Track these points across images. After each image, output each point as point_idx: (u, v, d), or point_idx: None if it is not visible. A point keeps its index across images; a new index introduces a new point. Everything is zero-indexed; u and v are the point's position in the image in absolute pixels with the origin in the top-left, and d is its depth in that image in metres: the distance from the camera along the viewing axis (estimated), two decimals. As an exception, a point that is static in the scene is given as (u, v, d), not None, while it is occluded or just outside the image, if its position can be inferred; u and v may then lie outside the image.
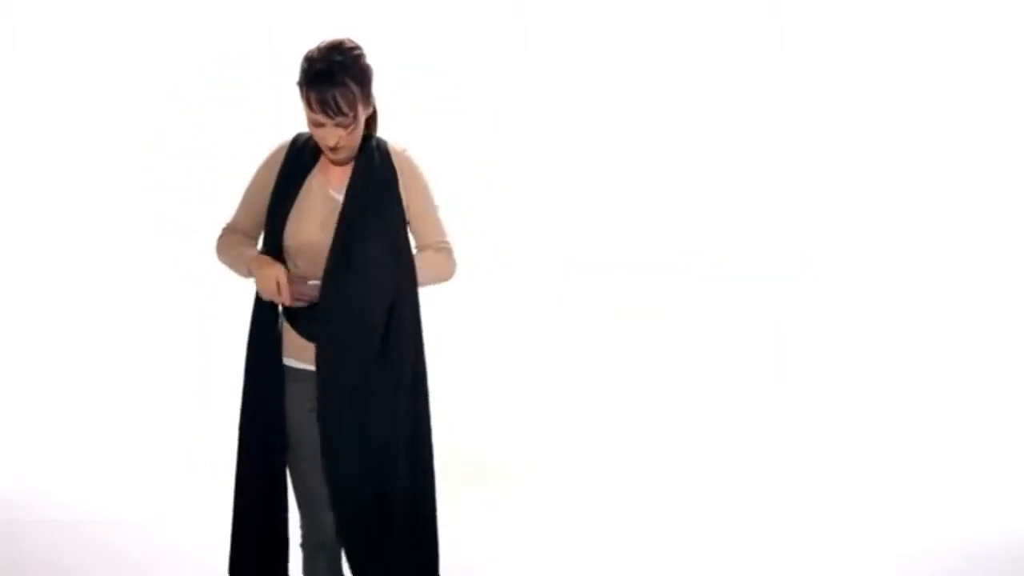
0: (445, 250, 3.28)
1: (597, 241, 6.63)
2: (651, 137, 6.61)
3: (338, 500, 3.15)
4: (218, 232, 3.34)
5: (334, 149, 3.15)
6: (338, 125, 3.10)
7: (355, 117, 3.11)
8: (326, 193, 3.21)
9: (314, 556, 3.34)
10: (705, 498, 5.72)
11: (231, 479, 3.30)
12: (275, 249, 3.21)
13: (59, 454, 6.17)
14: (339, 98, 3.06)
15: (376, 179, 3.21)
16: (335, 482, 3.14)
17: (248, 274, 3.24)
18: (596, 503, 5.66)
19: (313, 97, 3.06)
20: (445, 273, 3.30)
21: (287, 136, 3.30)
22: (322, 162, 3.25)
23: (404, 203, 3.23)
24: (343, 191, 3.20)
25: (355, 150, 3.21)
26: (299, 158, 3.24)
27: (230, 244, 3.29)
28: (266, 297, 3.17)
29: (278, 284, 3.11)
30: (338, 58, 3.08)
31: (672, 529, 5.29)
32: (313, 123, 3.12)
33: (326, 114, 3.07)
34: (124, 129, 6.56)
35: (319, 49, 3.10)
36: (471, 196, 6.30)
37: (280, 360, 3.23)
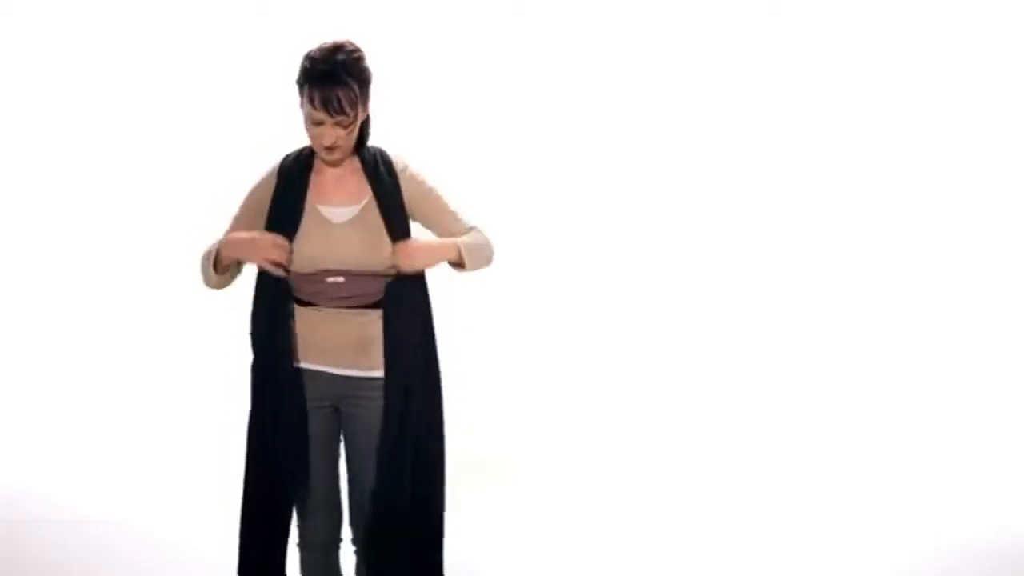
0: (477, 231, 3.34)
1: (596, 240, 6.63)
2: (651, 137, 6.61)
3: (382, 501, 3.17)
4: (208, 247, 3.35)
5: (330, 149, 3.15)
6: (337, 124, 3.11)
7: (355, 117, 3.13)
8: (318, 212, 3.21)
9: (312, 556, 3.34)
10: (706, 498, 5.72)
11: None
12: (275, 278, 3.21)
13: (59, 454, 6.17)
14: (342, 97, 3.08)
15: (388, 193, 3.22)
16: (384, 482, 3.17)
17: (223, 268, 3.24)
18: (596, 501, 5.66)
19: (316, 95, 3.08)
20: (490, 251, 3.37)
21: (275, 161, 3.29)
22: (314, 176, 3.25)
23: (411, 213, 3.25)
24: (333, 208, 3.21)
25: (349, 152, 3.21)
26: (290, 179, 3.24)
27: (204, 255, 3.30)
28: (270, 268, 3.17)
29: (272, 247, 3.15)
30: (341, 58, 3.10)
31: (672, 528, 5.28)
32: (313, 121, 3.12)
33: (328, 112, 3.08)
34: (123, 129, 6.56)
35: (321, 50, 3.11)
36: (468, 196, 6.28)
37: (293, 361, 3.23)
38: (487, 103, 6.54)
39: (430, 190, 3.28)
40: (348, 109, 3.09)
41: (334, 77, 3.07)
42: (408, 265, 3.19)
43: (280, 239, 3.16)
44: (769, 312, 6.64)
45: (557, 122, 6.58)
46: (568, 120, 6.57)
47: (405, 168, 3.28)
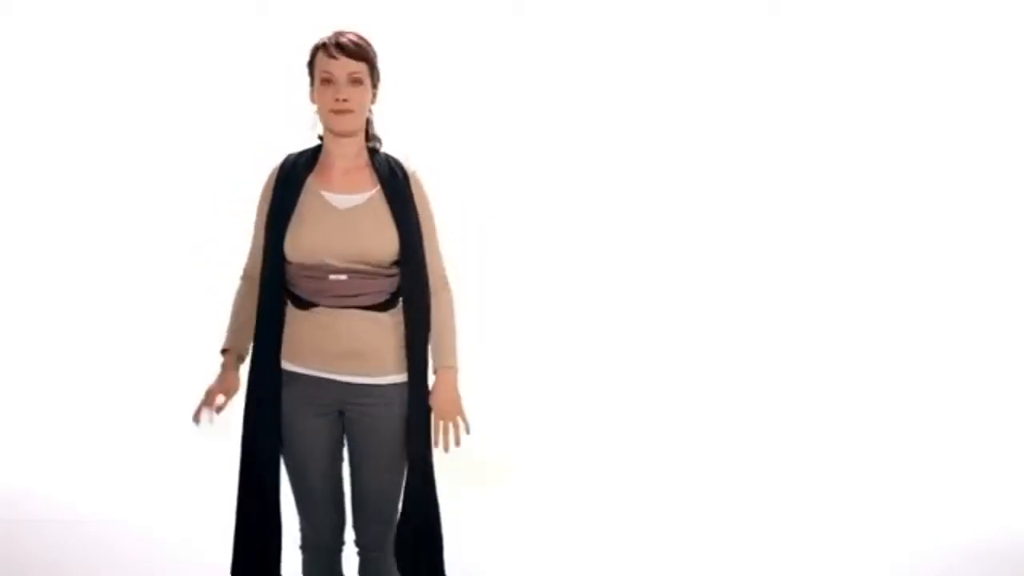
0: (446, 291, 3.33)
1: (596, 241, 6.63)
2: (651, 137, 6.61)
3: (418, 504, 3.23)
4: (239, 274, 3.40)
5: (340, 112, 3.16)
6: (350, 79, 3.14)
7: (367, 71, 3.16)
8: (321, 198, 3.21)
9: (315, 558, 3.35)
10: (706, 498, 5.72)
11: (231, 479, 3.31)
12: (275, 266, 3.22)
13: (59, 454, 6.17)
14: (356, 40, 3.18)
15: (398, 187, 3.24)
16: (415, 485, 3.21)
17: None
18: (595, 501, 5.66)
19: (331, 43, 3.16)
20: (453, 315, 3.36)
21: (277, 160, 3.32)
22: (317, 169, 3.26)
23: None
24: (340, 196, 3.21)
25: (360, 123, 3.22)
26: (292, 173, 3.26)
27: (237, 300, 3.34)
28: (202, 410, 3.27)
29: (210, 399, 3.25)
30: (349, 31, 3.23)
31: (672, 528, 5.29)
32: (323, 81, 3.16)
33: (344, 51, 3.12)
34: (123, 129, 6.56)
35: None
36: (467, 196, 6.30)
37: (278, 365, 3.24)
38: (487, 103, 6.53)
39: (426, 207, 3.30)
40: (361, 52, 3.17)
41: (346, 35, 3.20)
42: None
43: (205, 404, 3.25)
44: (768, 313, 6.64)
45: (557, 122, 6.58)
46: (568, 120, 6.57)
47: (415, 171, 3.30)
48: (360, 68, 3.17)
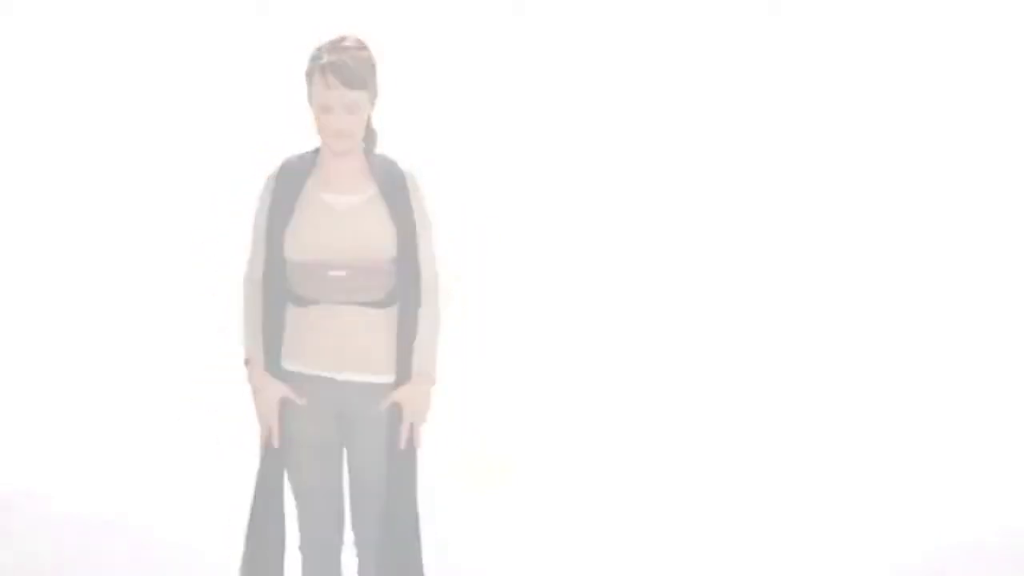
0: (435, 295, 3.32)
1: (594, 241, 6.63)
2: (651, 137, 6.62)
3: (402, 506, 3.23)
4: (242, 279, 3.39)
5: (339, 136, 3.17)
6: (347, 108, 3.13)
7: (364, 96, 3.15)
8: (321, 199, 3.22)
9: (315, 557, 3.36)
10: (706, 497, 5.72)
11: (232, 480, 3.31)
12: (276, 266, 3.22)
13: (59, 454, 6.17)
14: (353, 66, 3.12)
15: (394, 187, 3.24)
16: (403, 487, 3.20)
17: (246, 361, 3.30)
18: (596, 501, 5.67)
19: (328, 68, 3.11)
20: (438, 322, 3.36)
21: (276, 163, 3.32)
22: (316, 172, 3.27)
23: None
24: (338, 196, 3.22)
25: (357, 142, 3.23)
26: (291, 176, 3.27)
27: (248, 307, 3.33)
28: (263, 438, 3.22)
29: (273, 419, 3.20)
30: (348, 44, 3.17)
31: (672, 527, 5.29)
32: (321, 108, 3.15)
33: (341, 79, 3.10)
34: (123, 128, 6.56)
35: (328, 42, 3.16)
36: (470, 197, 6.30)
37: (278, 366, 3.25)
38: (486, 103, 6.54)
39: (422, 206, 3.30)
40: (358, 82, 3.12)
41: (344, 53, 3.14)
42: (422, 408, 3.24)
43: (275, 427, 3.22)
44: (768, 312, 6.64)
45: (556, 122, 6.58)
46: (568, 120, 6.58)
47: (411, 171, 3.30)
48: (357, 96, 3.15)
